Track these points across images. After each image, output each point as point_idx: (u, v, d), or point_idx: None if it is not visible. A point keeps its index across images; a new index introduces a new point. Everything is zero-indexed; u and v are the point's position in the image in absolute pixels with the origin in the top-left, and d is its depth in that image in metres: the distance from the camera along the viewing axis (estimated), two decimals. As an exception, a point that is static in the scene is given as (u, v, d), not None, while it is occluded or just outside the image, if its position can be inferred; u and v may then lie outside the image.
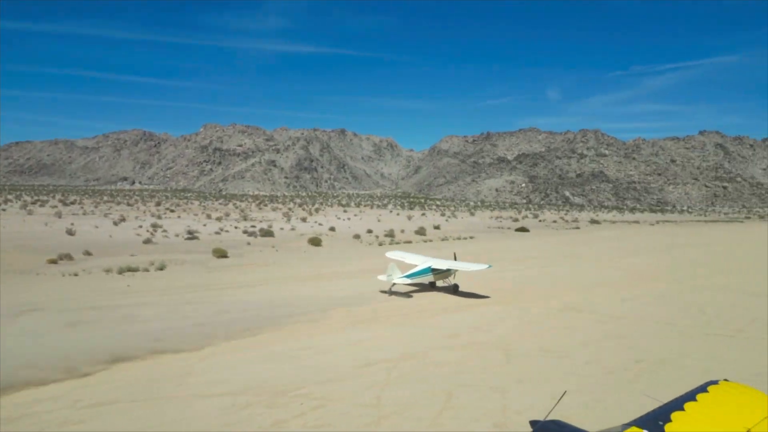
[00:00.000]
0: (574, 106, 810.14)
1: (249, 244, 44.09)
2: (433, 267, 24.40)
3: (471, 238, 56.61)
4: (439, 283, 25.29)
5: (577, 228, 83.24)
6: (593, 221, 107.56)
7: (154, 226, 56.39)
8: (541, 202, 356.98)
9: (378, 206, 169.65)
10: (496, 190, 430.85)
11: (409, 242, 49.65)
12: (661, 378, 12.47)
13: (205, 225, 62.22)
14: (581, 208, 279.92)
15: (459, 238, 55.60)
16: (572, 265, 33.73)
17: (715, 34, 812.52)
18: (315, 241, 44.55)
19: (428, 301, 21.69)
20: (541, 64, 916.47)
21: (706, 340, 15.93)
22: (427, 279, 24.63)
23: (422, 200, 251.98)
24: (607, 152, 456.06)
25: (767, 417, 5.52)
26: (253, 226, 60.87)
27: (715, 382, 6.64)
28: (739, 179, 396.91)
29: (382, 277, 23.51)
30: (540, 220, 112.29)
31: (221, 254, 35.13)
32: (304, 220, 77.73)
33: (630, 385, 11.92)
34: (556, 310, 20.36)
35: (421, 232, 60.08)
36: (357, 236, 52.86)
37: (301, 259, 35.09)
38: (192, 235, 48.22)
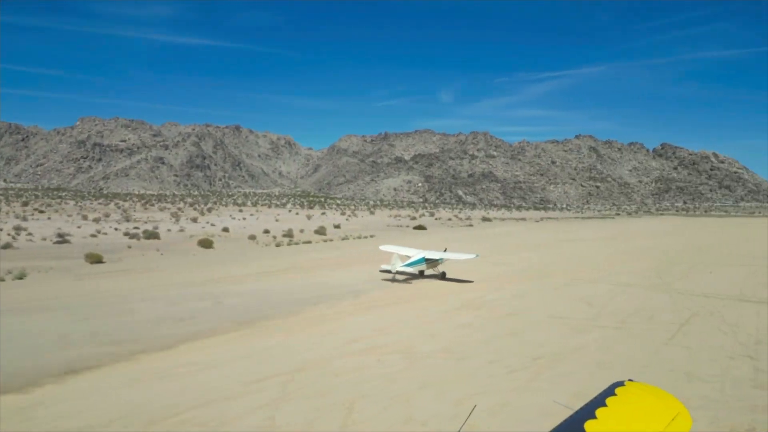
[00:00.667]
0: (465, 109, 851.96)
1: (130, 247, 40.08)
2: (426, 257, 27.83)
3: (371, 236, 56.36)
4: (428, 272, 28.31)
5: (471, 225, 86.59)
6: (485, 219, 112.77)
7: (17, 228, 49.58)
8: (437, 201, 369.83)
9: (276, 205, 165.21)
10: (395, 189, 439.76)
11: (309, 242, 48.21)
12: (560, 373, 12.49)
13: (79, 227, 56.03)
14: (473, 206, 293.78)
15: (360, 237, 55.10)
16: (469, 262, 34.35)
17: (588, 46, 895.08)
18: (205, 243, 41.58)
19: (326, 305, 20.59)
20: (435, 67, 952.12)
21: (595, 333, 16.48)
22: (419, 268, 27.68)
23: (322, 199, 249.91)
24: (495, 154, 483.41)
25: (676, 417, 5.31)
26: (137, 228, 55.92)
27: (621, 384, 6.28)
28: (609, 179, 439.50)
29: (386, 266, 27.46)
30: (436, 218, 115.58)
31: (96, 259, 31.39)
32: (194, 220, 73.04)
33: (532, 385, 11.76)
34: (455, 308, 20.25)
35: (321, 231, 58.80)
36: (252, 237, 50.36)
37: (190, 263, 32.37)
38: (62, 239, 42.97)
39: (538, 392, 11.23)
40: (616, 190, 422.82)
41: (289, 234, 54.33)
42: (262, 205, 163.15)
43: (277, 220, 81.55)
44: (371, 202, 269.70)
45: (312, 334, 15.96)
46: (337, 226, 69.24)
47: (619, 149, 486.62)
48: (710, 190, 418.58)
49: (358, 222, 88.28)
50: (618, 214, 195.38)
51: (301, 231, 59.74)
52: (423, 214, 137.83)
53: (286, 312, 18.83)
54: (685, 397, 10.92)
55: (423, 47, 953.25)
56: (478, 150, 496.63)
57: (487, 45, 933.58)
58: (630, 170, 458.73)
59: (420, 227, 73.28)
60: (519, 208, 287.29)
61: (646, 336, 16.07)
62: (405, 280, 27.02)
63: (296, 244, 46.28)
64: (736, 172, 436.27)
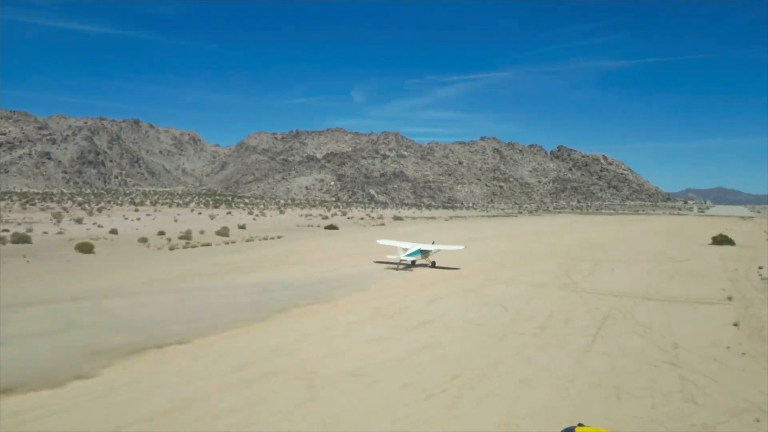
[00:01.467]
0: (376, 109, 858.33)
1: (-11, 254, 34.24)
2: (421, 249, 32.59)
3: (279, 237, 53.30)
4: (419, 261, 32.51)
5: (383, 225, 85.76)
6: (396, 218, 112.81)
7: None
8: (349, 200, 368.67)
9: (179, 205, 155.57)
10: (306, 188, 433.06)
11: (209, 244, 44.33)
12: (483, 395, 10.99)
13: (-71, 230, 47.79)
14: (385, 205, 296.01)
15: (266, 238, 51.85)
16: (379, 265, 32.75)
17: (494, 52, 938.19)
18: (84, 248, 36.47)
19: (225, 323, 17.83)
20: (348, 67, 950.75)
21: (515, 342, 15.34)
22: (413, 259, 31.79)
23: (229, 198, 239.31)
24: (406, 153, 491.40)
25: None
26: (6, 230, 48.69)
27: (571, 430, 5.50)
28: (511, 179, 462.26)
29: (392, 257, 31.91)
30: (348, 218, 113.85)
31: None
32: (79, 221, 65.53)
33: (454, 413, 10.11)
34: (365, 318, 18.39)
35: (223, 232, 54.72)
36: (144, 240, 45.44)
37: (61, 273, 27.81)
38: None
39: (461, 422, 9.60)
40: (517, 190, 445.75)
41: (186, 236, 49.83)
42: (162, 204, 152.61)
43: (176, 221, 75.57)
44: (282, 201, 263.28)
45: (194, 361, 13.29)
46: (242, 227, 65.16)
47: (521, 151, 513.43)
48: (600, 190, 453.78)
49: (266, 222, 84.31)
50: (520, 213, 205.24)
51: (201, 232, 55.25)
52: (335, 214, 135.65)
53: (169, 336, 15.84)
54: (620, 419, 9.77)
55: (336, 46, 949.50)
56: (389, 150, 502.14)
57: (399, 46, 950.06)
58: (530, 171, 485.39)
59: (331, 227, 71.06)
60: (429, 207, 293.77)
61: (565, 343, 15.15)
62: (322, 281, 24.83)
63: (193, 247, 42.29)
64: (622, 174, 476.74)
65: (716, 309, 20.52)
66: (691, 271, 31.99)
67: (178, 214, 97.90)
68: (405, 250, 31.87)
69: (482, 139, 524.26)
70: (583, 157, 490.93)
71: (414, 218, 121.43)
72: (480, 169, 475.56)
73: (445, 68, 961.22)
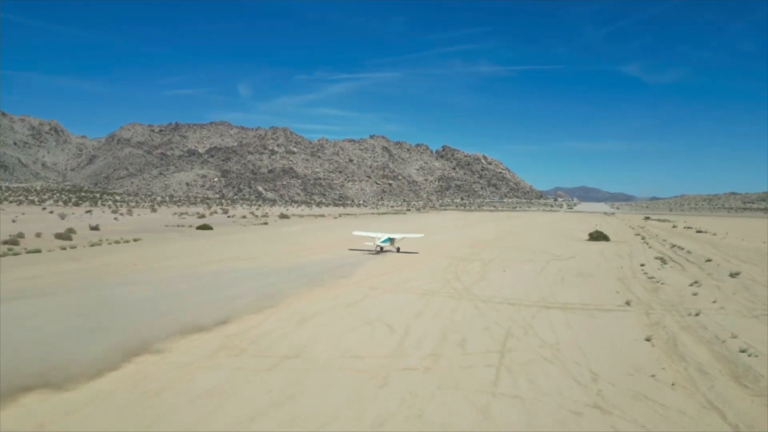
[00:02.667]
0: (264, 104, 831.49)
1: None
2: (390, 237, 39.71)
3: (135, 240, 45.63)
4: (387, 248, 38.82)
5: (266, 224, 79.65)
6: (283, 216, 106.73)
7: None
8: (235, 197, 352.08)
9: (33, 202, 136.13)
10: (187, 184, 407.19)
11: (38, 251, 36.01)
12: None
13: None
14: (273, 202, 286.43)
15: (119, 242, 44.00)
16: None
17: (382, 52, 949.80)
18: None
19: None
20: (233, 59, 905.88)
21: (401, 385, 11.54)
22: (382, 245, 38.40)
23: (97, 195, 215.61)
24: (295, 150, 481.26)
25: None
26: None
27: None
28: (400, 177, 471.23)
29: (368, 244, 39.02)
30: (229, 216, 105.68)
31: None
32: None
33: None
34: (206, 355, 13.61)
35: (66, 235, 45.76)
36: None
37: None
38: None
39: None
40: (406, 188, 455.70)
41: (13, 241, 40.58)
42: (11, 201, 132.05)
43: (14, 221, 63.53)
44: (158, 199, 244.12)
45: None
46: (94, 228, 55.82)
47: (408, 150, 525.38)
48: (481, 188, 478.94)
49: (130, 222, 74.37)
50: (409, 210, 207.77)
51: (38, 235, 45.81)
52: (215, 212, 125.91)
53: None
54: None
55: (221, 37, 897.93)
56: (278, 145, 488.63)
57: (287, 42, 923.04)
58: (417, 169, 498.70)
59: (205, 227, 63.77)
60: (319, 204, 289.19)
61: (464, 382, 11.65)
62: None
63: (16, 255, 33.96)
64: (501, 173, 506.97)
65: (619, 317, 18.55)
66: (580, 271, 30.96)
67: (22, 213, 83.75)
68: (378, 238, 39.42)
69: (372, 137, 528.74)
70: (465, 156, 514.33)
71: (302, 216, 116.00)
72: (370, 167, 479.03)
73: (334, 66, 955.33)
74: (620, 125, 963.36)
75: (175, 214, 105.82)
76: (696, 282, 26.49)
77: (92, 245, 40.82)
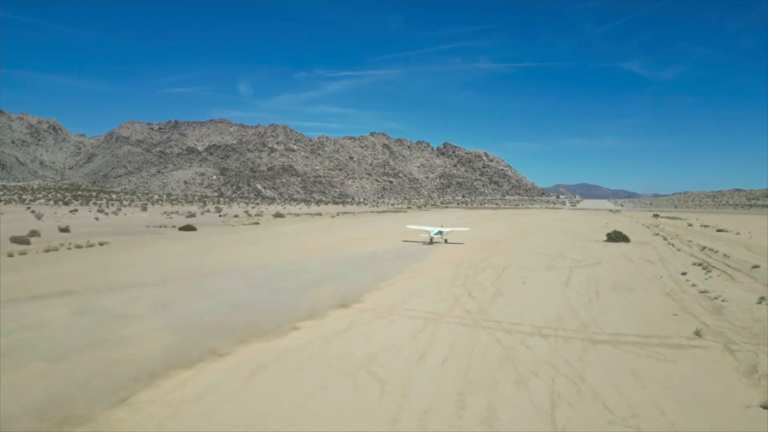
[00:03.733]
0: (264, 102, 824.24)
1: None
2: (440, 230, 46.15)
3: (101, 244, 40.55)
4: (436, 240, 44.98)
5: (257, 223, 74.60)
6: (278, 215, 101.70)
7: None
8: (234, 195, 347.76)
9: (26, 201, 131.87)
10: (185, 182, 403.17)
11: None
12: None
13: None
14: (272, 200, 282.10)
15: (81, 246, 38.92)
16: (209, 291, 22.72)
17: (382, 50, 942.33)
18: None
19: None
20: (233, 57, 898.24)
21: None
22: (432, 237, 44.89)
23: (94, 194, 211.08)
24: (295, 147, 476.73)
25: None
26: None
27: None
28: (401, 175, 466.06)
29: (425, 235, 46.24)
30: (221, 215, 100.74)
31: None
32: None
33: None
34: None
35: (24, 239, 40.71)
36: None
37: None
38: None
39: None
40: (407, 185, 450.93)
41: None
42: (3, 202, 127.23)
43: (-19, 223, 58.55)
44: (155, 197, 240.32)
45: None
46: (64, 230, 50.80)
47: (409, 147, 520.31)
48: (483, 185, 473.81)
49: (113, 222, 69.42)
50: (410, 208, 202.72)
51: (-7, 239, 40.82)
52: (209, 210, 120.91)
53: None
54: None
55: (221, 35, 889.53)
56: (277, 143, 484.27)
57: (287, 39, 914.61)
58: (418, 167, 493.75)
59: (188, 228, 58.77)
60: (319, 202, 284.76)
61: None
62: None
63: (-51, 263, 28.98)
64: (502, 170, 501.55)
65: (698, 359, 13.49)
66: (614, 282, 25.88)
67: (1, 213, 78.96)
68: (429, 232, 45.84)
69: (372, 134, 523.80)
70: (467, 153, 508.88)
71: (297, 215, 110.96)
72: (370, 164, 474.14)
73: (334, 64, 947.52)
74: (621, 122, 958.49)
75: (164, 213, 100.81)
76: (763, 298, 21.41)
77: (47, 251, 35.71)
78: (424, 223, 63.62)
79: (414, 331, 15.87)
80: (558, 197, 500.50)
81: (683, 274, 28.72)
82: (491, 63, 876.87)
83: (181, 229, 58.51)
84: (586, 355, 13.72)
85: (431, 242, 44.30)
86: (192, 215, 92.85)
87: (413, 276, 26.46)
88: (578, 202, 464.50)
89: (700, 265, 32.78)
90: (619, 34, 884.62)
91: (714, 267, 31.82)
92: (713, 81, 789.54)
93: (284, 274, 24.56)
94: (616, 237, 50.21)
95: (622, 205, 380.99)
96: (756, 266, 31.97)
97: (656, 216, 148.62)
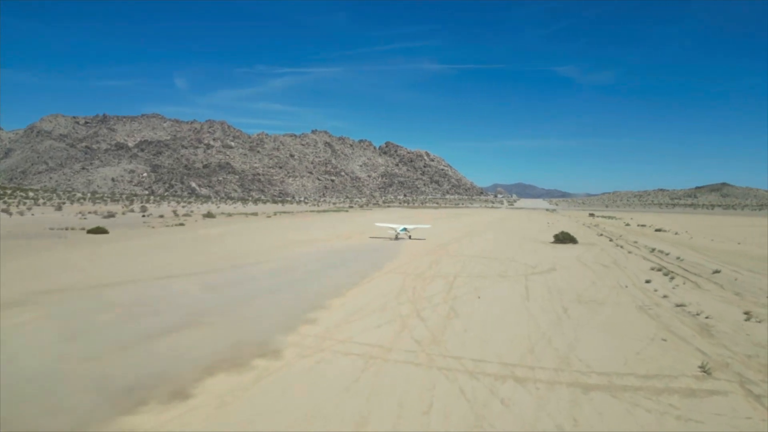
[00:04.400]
0: (202, 97, 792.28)
1: None
2: (405, 227, 50.99)
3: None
4: (400, 236, 49.32)
5: (182, 225, 67.94)
6: (208, 215, 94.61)
7: None
8: (166, 194, 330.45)
9: None
10: (113, 179, 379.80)
11: None
12: None
13: None
14: (207, 199, 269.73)
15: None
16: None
17: (325, 47, 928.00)
18: None
19: None
20: (169, 50, 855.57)
21: None
22: (398, 234, 49.40)
23: (8, 191, 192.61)
24: (233, 144, 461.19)
25: None
26: None
27: None
28: (343, 174, 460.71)
29: (391, 231, 50.63)
30: (144, 215, 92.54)
31: None
32: None
33: None
34: None
35: None
36: None
37: None
38: None
39: None
40: (349, 184, 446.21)
41: None
42: None
43: None
44: (78, 195, 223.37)
45: None
46: (-60, 234, 42.99)
47: (351, 145, 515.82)
48: (424, 185, 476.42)
49: (17, 222, 61.00)
50: (351, 207, 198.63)
51: None
52: (132, 210, 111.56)
53: None
54: None
55: (156, 26, 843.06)
56: (214, 139, 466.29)
57: (227, 33, 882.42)
58: (360, 165, 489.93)
59: (99, 230, 51.80)
60: (258, 201, 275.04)
61: None
62: None
63: None
64: (443, 169, 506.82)
65: (725, 413, 10.19)
66: (578, 294, 22.84)
67: None
68: (395, 229, 50.07)
69: (313, 132, 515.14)
70: (408, 153, 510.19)
71: (230, 215, 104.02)
72: (312, 163, 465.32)
73: (276, 60, 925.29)
74: (556, 124, 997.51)
75: (80, 213, 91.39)
76: (749, 313, 18.84)
77: None
78: (360, 224, 59.71)
79: (349, 379, 11.73)
80: (496, 196, 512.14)
81: (647, 282, 26.20)
82: (434, 64, 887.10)
83: (90, 231, 51.48)
84: (581, 412, 10.09)
85: (396, 238, 48.75)
86: (111, 215, 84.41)
87: (351, 294, 22.26)
88: (515, 201, 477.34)
89: (659, 270, 30.61)
90: (555, 39, 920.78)
91: (674, 273, 29.69)
92: (641, 85, 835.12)
93: (166, 301, 18.06)
94: (563, 238, 48.25)
95: (557, 204, 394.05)
96: (716, 271, 30.14)
97: (592, 215, 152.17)
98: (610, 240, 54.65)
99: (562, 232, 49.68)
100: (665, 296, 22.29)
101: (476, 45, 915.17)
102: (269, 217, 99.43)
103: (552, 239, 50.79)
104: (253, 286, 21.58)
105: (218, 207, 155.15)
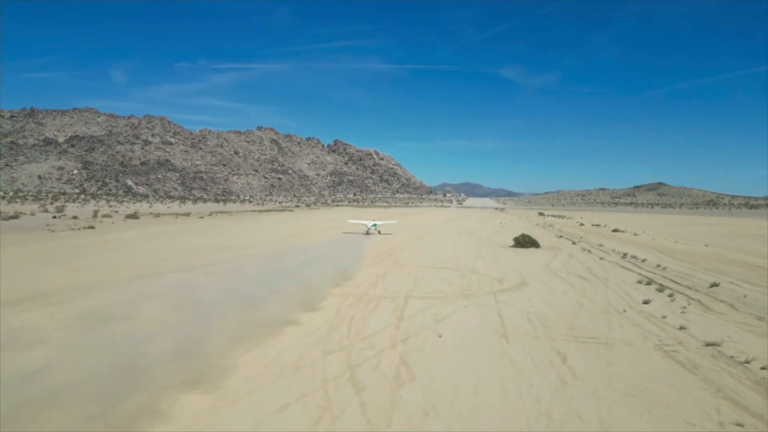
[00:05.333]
0: (141, 92, 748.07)
1: None
2: (375, 223, 55.56)
3: None
4: (371, 231, 53.61)
5: (92, 228, 58.58)
6: (130, 216, 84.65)
7: None
8: (99, 192, 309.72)
9: None
10: (39, 177, 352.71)
11: None
12: None
13: None
14: (145, 198, 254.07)
15: None
16: None
17: (269, 44, 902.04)
18: None
19: None
20: (105, 42, 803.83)
21: None
22: (368, 229, 53.75)
23: None
24: (173, 140, 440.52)
25: None
26: None
27: None
28: (290, 172, 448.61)
29: (363, 228, 55.05)
30: (57, 216, 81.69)
31: None
32: None
33: None
34: None
35: None
36: None
37: None
38: None
39: None
40: (296, 182, 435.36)
41: None
42: None
43: None
44: (1, 194, 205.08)
45: None
46: None
47: (299, 143, 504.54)
48: (374, 183, 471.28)
49: None
50: (298, 206, 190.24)
51: None
52: (46, 210, 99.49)
53: None
54: None
55: (90, 16, 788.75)
56: (153, 135, 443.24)
57: (167, 25, 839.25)
58: (309, 164, 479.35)
59: (-24, 236, 42.42)
60: (198, 200, 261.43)
61: None
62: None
63: None
64: (392, 168, 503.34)
65: None
66: (568, 324, 17.14)
67: None
68: (366, 225, 55.42)
69: (259, 128, 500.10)
70: (357, 151, 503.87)
71: (159, 215, 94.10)
72: (257, 160, 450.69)
73: (219, 55, 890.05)
74: (499, 125, 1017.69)
75: (-23, 214, 79.33)
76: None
77: None
78: (303, 225, 52.80)
79: None
80: (445, 195, 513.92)
81: (646, 303, 20.92)
82: (380, 63, 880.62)
83: (-36, 238, 42.06)
84: None
85: (368, 233, 52.84)
86: (14, 217, 73.35)
87: (257, 342, 15.50)
88: (464, 200, 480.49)
89: (648, 284, 25.58)
90: (498, 42, 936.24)
91: (668, 288, 24.70)
92: (577, 89, 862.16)
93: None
94: (524, 242, 43.17)
95: (504, 203, 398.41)
96: (714, 284, 25.37)
97: (542, 214, 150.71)
98: (573, 243, 50.22)
99: (523, 235, 44.56)
100: (682, 327, 16.91)
101: (419, 46, 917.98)
102: (202, 218, 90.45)
103: (512, 242, 45.67)
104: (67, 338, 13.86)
105: (151, 206, 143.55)
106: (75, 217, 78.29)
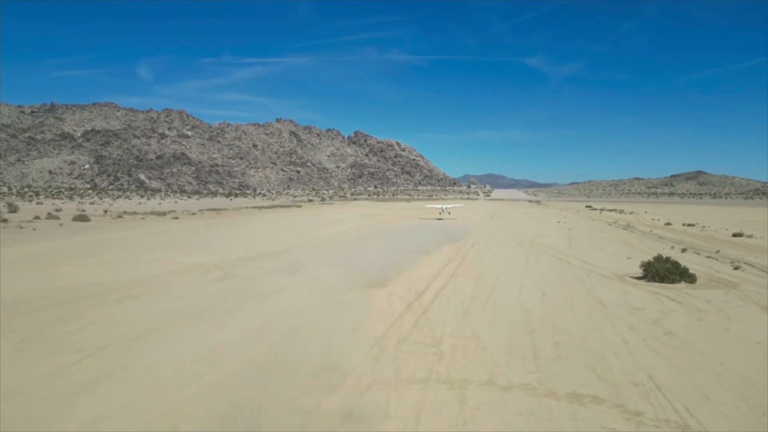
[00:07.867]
0: (167, 88, 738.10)
1: None
2: (445, 207, 69.54)
3: None
4: (443, 215, 67.47)
5: (60, 224, 42.55)
6: (120, 214, 69.10)
7: None
8: (110, 187, 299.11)
9: None
10: (50, 172, 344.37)
11: None
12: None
13: None
14: (157, 193, 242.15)
15: None
16: None
17: (292, 37, 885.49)
18: None
19: None
20: (132, 40, 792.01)
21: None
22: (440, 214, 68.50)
23: None
24: (190, 134, 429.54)
25: None
26: None
27: None
28: (309, 164, 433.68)
29: (441, 212, 69.15)
30: (52, 213, 66.80)
31: None
32: None
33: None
34: None
35: None
36: None
37: None
38: None
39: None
40: (315, 175, 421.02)
41: None
42: None
43: None
44: (5, 190, 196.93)
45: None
46: None
47: (318, 135, 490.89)
48: (395, 175, 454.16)
49: None
50: (311, 201, 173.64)
51: None
52: (59, 205, 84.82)
53: None
54: None
55: (117, 14, 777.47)
56: (170, 129, 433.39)
57: (192, 22, 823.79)
58: (328, 156, 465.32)
59: None
60: (214, 194, 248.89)
61: None
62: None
63: None
64: (414, 159, 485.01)
65: None
66: None
67: None
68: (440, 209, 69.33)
69: (278, 120, 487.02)
70: (378, 143, 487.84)
71: (143, 216, 78.66)
72: (276, 153, 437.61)
73: (242, 50, 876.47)
74: (525, 115, 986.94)
75: None
76: None
77: None
78: (298, 230, 35.77)
79: None
80: (469, 187, 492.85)
81: None
82: (403, 54, 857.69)
83: None
84: None
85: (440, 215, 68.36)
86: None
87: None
88: (490, 192, 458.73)
89: None
90: (523, 30, 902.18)
91: None
92: (605, 77, 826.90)
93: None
94: (664, 273, 24.93)
95: (535, 195, 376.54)
96: None
97: (591, 208, 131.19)
98: (732, 265, 32.02)
99: (662, 259, 26.10)
100: None
101: (444, 36, 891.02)
102: (193, 214, 74.39)
103: (631, 268, 27.80)
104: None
105: (161, 202, 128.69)
106: (36, 217, 62.89)
